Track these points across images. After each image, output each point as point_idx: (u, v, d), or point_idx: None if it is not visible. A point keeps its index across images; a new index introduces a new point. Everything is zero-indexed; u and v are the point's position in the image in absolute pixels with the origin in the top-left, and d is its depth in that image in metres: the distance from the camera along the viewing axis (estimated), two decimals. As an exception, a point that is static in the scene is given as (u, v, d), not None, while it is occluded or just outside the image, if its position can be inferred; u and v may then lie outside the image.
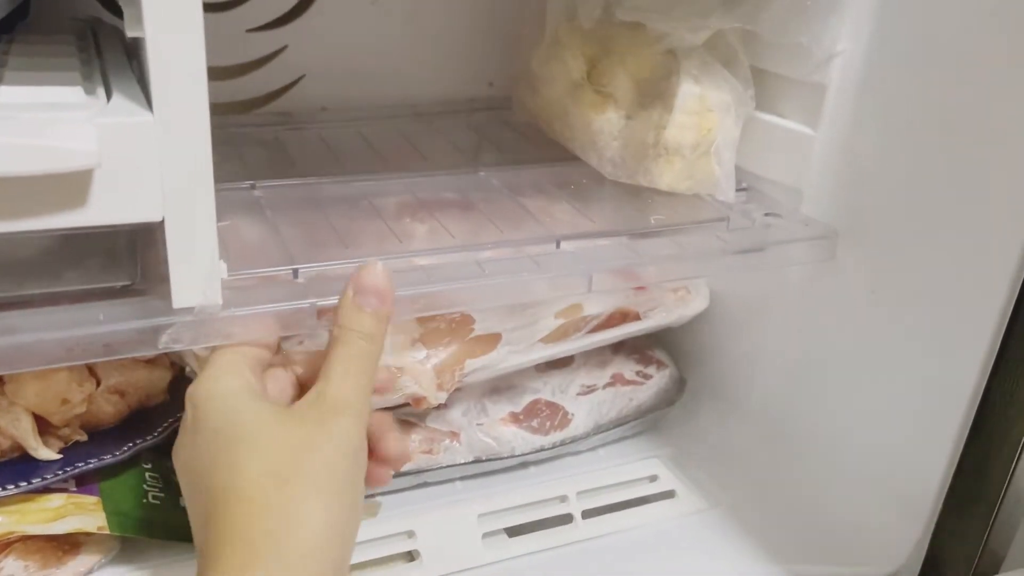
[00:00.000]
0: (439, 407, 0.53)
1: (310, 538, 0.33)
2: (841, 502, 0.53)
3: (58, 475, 0.44)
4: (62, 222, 0.33)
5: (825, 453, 0.54)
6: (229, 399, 0.37)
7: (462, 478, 0.55)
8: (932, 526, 0.49)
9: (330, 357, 0.38)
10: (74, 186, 0.32)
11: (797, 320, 0.55)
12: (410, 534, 0.49)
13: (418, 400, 0.48)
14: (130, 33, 0.33)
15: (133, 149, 0.33)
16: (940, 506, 0.48)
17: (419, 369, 0.48)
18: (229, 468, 0.34)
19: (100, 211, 0.33)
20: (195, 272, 0.36)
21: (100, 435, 0.47)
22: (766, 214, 0.52)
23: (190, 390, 0.38)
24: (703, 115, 0.50)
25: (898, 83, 0.47)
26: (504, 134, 0.66)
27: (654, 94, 0.52)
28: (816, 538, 0.52)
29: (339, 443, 0.36)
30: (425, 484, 0.54)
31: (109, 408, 0.47)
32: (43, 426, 0.45)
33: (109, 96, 0.35)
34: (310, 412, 0.36)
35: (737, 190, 0.53)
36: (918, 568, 0.51)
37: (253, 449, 0.35)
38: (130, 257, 0.40)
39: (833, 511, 0.53)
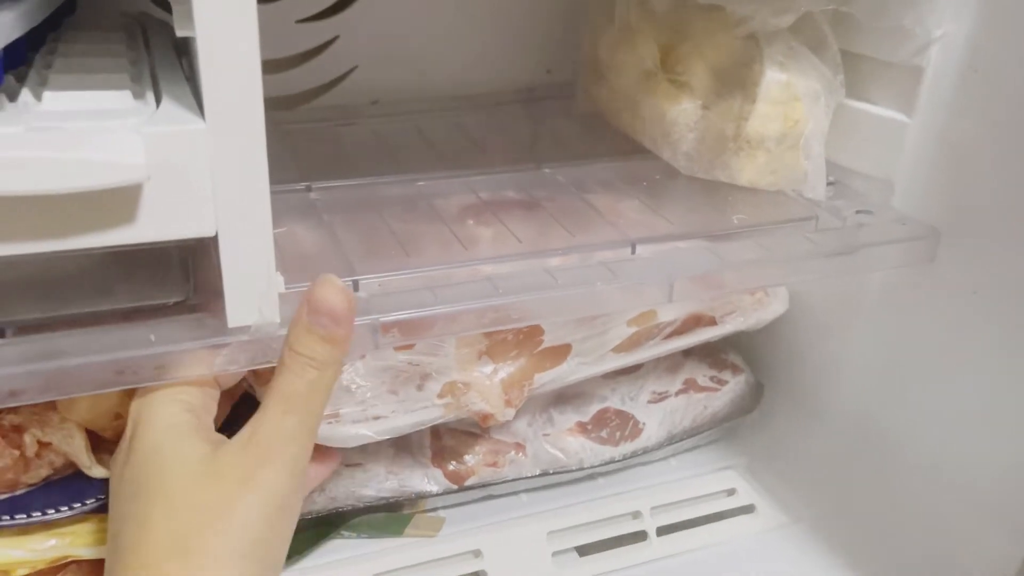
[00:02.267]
0: (503, 417, 0.50)
1: None
2: (935, 516, 0.49)
3: (112, 495, 0.42)
4: (108, 240, 0.30)
5: (917, 464, 0.50)
6: (164, 434, 0.34)
7: (528, 491, 0.52)
8: (1037, 547, 0.45)
9: (272, 386, 0.34)
10: (121, 201, 0.30)
11: (887, 322, 0.51)
12: (476, 553, 0.47)
13: (485, 417, 0.45)
14: (180, 32, 0.31)
15: (183, 159, 0.30)
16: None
17: (486, 384, 0.45)
18: (139, 524, 0.32)
19: (149, 227, 0.31)
20: (251, 288, 0.34)
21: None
22: (858, 212, 0.48)
23: (134, 405, 0.36)
24: (789, 104, 0.46)
25: (1004, 66, 0.42)
26: (566, 126, 0.62)
27: (734, 83, 0.48)
28: (908, 555, 0.49)
29: (261, 502, 0.33)
30: (490, 497, 0.51)
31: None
32: (96, 442, 0.43)
33: (158, 99, 0.33)
34: (235, 462, 0.33)
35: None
36: (1021, 591, 0.47)
37: (166, 508, 0.32)
38: (183, 271, 0.37)
39: (926, 526, 0.49)
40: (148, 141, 0.29)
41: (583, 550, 0.49)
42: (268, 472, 0.33)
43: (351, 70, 0.64)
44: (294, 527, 0.35)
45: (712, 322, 0.53)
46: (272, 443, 0.34)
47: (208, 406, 0.37)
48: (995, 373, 0.45)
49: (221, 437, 0.36)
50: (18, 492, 0.41)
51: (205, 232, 0.32)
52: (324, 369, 0.34)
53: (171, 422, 0.35)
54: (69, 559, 0.41)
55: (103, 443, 0.44)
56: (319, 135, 0.59)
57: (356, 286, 0.39)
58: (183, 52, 0.42)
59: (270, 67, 0.66)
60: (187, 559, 0.31)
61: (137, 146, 0.29)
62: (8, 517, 0.40)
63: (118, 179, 0.28)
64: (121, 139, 0.29)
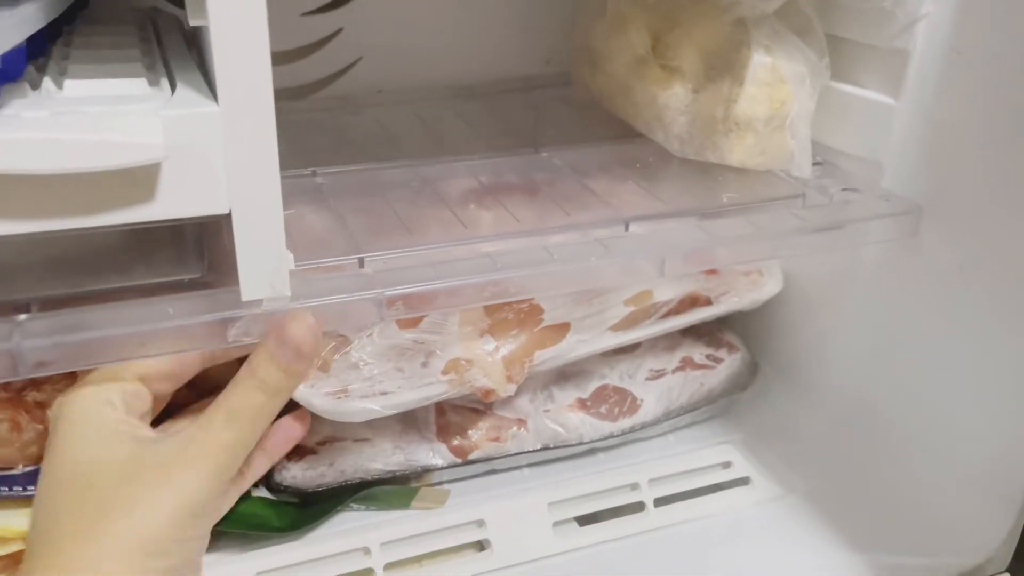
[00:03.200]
0: (505, 394, 0.52)
1: None
2: (925, 489, 0.51)
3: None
4: (129, 217, 0.32)
5: (908, 438, 0.52)
6: (84, 429, 0.35)
7: (530, 465, 0.54)
8: (1025, 514, 0.47)
9: (221, 397, 0.36)
10: (140, 180, 0.32)
11: (877, 300, 0.53)
12: (480, 523, 0.48)
13: (487, 392, 0.47)
14: (193, 22, 0.33)
15: (199, 141, 0.32)
16: (1034, 493, 0.46)
17: (488, 361, 0.47)
18: (52, 511, 0.33)
19: (167, 205, 0.32)
20: (263, 264, 0.36)
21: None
22: (844, 189, 0.49)
23: (55, 403, 0.36)
24: (776, 86, 0.48)
25: (990, 48, 0.44)
26: (564, 112, 0.64)
27: (723, 67, 0.50)
28: (899, 526, 0.50)
29: (174, 504, 0.34)
30: (493, 471, 0.53)
31: (181, 398, 0.47)
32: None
33: (173, 87, 0.35)
34: (159, 460, 0.34)
35: (812, 165, 0.51)
36: (1008, 559, 0.48)
37: (79, 498, 0.33)
38: (197, 250, 0.39)
39: (916, 498, 0.51)
40: (165, 123, 0.31)
41: (583, 520, 0.50)
42: (190, 476, 0.34)
43: (356, 61, 0.66)
44: (208, 533, 0.36)
45: (707, 302, 0.55)
46: (205, 449, 0.35)
47: (133, 403, 0.37)
48: (982, 348, 0.47)
49: (150, 434, 0.37)
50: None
51: (219, 210, 0.34)
52: (274, 396, 0.36)
53: (92, 419, 0.35)
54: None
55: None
56: (325, 124, 0.61)
57: (361, 263, 0.41)
58: (193, 44, 0.44)
59: (277, 59, 0.67)
60: (89, 545, 0.32)
61: (156, 127, 0.31)
62: (33, 488, 0.41)
63: (138, 158, 0.30)
64: (140, 121, 0.31)
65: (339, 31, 0.64)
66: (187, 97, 0.33)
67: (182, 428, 0.36)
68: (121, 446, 0.35)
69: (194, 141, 0.32)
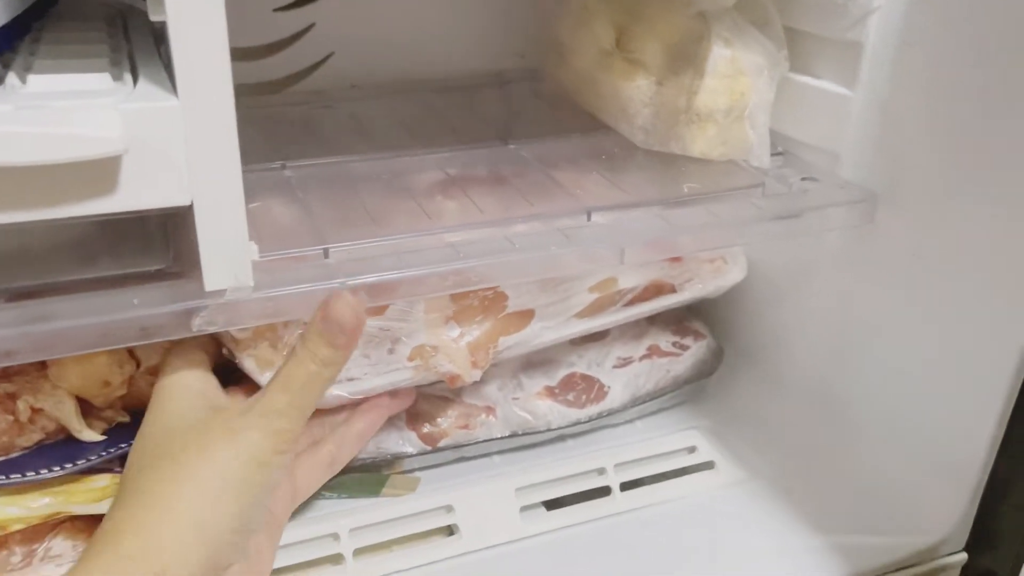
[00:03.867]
0: (474, 383, 0.53)
1: (173, 532, 0.35)
2: (885, 470, 0.52)
3: (102, 456, 0.45)
4: (91, 209, 0.33)
5: (868, 421, 0.53)
6: (182, 401, 0.41)
7: (500, 452, 0.55)
8: (980, 494, 0.48)
9: (279, 370, 0.39)
10: (102, 173, 0.32)
11: (837, 287, 0.54)
12: (448, 509, 0.49)
13: (453, 378, 0.48)
14: (153, 17, 0.33)
15: (159, 134, 0.33)
16: (988, 473, 0.47)
17: (453, 347, 0.48)
18: (136, 463, 0.39)
19: (128, 197, 0.33)
20: (225, 254, 0.36)
21: (143, 416, 0.48)
22: (803, 179, 0.51)
23: (158, 383, 0.42)
24: (735, 78, 0.49)
25: (939, 40, 0.45)
26: (535, 106, 0.65)
27: (685, 59, 0.51)
28: (859, 507, 0.51)
29: (239, 453, 0.37)
30: (463, 459, 0.54)
31: (150, 389, 0.48)
32: (86, 408, 0.46)
33: (136, 81, 0.36)
34: (225, 423, 0.38)
35: (772, 155, 0.52)
36: (965, 537, 0.50)
37: (163, 448, 0.38)
38: (163, 241, 0.40)
39: (876, 480, 0.52)
40: (125, 117, 0.32)
41: (550, 505, 0.51)
42: (252, 433, 0.38)
43: (328, 56, 0.67)
44: (271, 491, 0.39)
45: (672, 289, 0.56)
46: (263, 413, 0.38)
47: (208, 381, 0.43)
48: (937, 332, 0.48)
49: (224, 402, 0.43)
50: (13, 455, 0.44)
51: (180, 202, 0.34)
52: (324, 367, 0.38)
53: (179, 391, 0.41)
54: (62, 515, 0.43)
55: (93, 409, 0.47)
56: (296, 118, 0.61)
57: (326, 254, 0.41)
58: (160, 41, 0.44)
59: (249, 54, 0.68)
60: (168, 484, 0.36)
61: (115, 121, 0.31)
62: (4, 477, 0.42)
63: (97, 152, 0.31)
64: (100, 115, 0.31)
65: (311, 26, 0.65)
66: (148, 91, 0.34)
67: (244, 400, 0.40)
68: (199, 412, 0.40)
69: (154, 134, 0.33)
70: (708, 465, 0.55)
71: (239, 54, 0.68)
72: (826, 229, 0.50)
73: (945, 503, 0.49)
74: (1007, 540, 0.49)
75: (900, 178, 0.49)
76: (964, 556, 0.50)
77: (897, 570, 0.49)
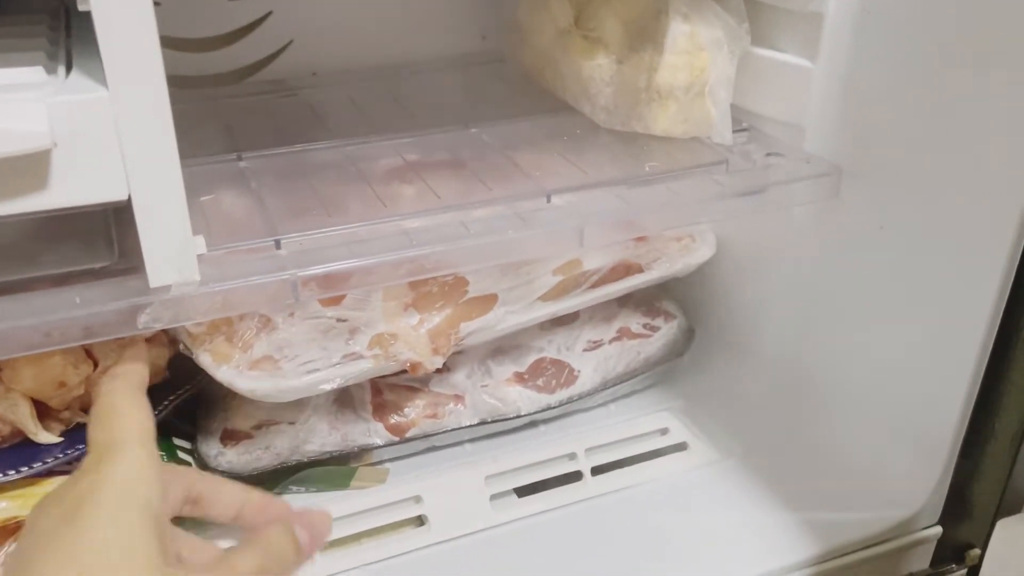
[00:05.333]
0: (442, 371, 0.52)
1: None
2: (857, 446, 0.52)
3: (59, 458, 0.44)
4: (24, 207, 0.32)
5: (839, 398, 0.53)
6: (127, 516, 0.29)
7: (471, 440, 0.54)
8: (952, 466, 0.48)
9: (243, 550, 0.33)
10: (32, 168, 0.31)
11: (805, 263, 0.53)
12: (417, 499, 0.49)
13: (414, 366, 0.47)
14: (81, 7, 0.32)
15: (89, 126, 0.32)
16: (959, 446, 0.47)
17: (412, 335, 0.47)
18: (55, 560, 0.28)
19: (62, 193, 0.32)
20: (168, 249, 0.35)
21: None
22: (767, 154, 0.50)
23: (100, 434, 0.32)
24: (695, 54, 0.48)
25: (897, 9, 0.44)
26: (497, 88, 0.64)
27: (644, 36, 0.50)
28: (833, 484, 0.51)
29: None
30: (432, 448, 0.53)
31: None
32: (43, 410, 0.45)
33: (68, 75, 0.34)
34: None
35: (737, 131, 0.51)
36: (939, 509, 0.49)
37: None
38: (106, 238, 0.39)
39: (849, 456, 0.52)
40: (52, 110, 0.31)
41: (521, 492, 0.51)
42: None
43: (287, 44, 0.65)
44: None
45: (639, 269, 0.55)
46: None
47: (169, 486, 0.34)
48: (903, 305, 0.48)
49: (174, 549, 0.33)
50: (-32, 459, 0.43)
51: (117, 196, 0.33)
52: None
53: (131, 503, 0.30)
54: (19, 520, 0.43)
55: (50, 411, 0.46)
56: (254, 108, 0.60)
57: (278, 245, 0.41)
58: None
59: (206, 45, 0.67)
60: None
61: (41, 114, 0.30)
62: (-29, 477, 0.41)
63: (23, 146, 0.30)
64: (25, 108, 0.30)
65: (268, 15, 0.64)
66: (78, 83, 0.33)
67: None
68: (141, 558, 0.29)
69: (84, 127, 0.31)
70: (681, 447, 0.54)
71: (196, 45, 0.67)
72: (791, 204, 0.49)
73: (918, 477, 0.49)
74: (981, 511, 0.49)
75: (865, 151, 0.48)
76: (939, 529, 0.50)
77: (873, 545, 0.49)
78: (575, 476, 0.52)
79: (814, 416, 0.54)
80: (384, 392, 0.52)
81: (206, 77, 0.65)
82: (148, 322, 0.36)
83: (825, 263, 0.52)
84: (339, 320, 0.46)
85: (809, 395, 0.54)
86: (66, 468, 0.45)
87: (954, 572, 0.51)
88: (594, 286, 0.53)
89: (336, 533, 0.47)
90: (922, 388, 0.48)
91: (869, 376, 0.51)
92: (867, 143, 0.48)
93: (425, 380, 0.53)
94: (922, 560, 0.51)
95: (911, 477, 0.49)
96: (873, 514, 0.49)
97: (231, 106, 0.61)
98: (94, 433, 0.32)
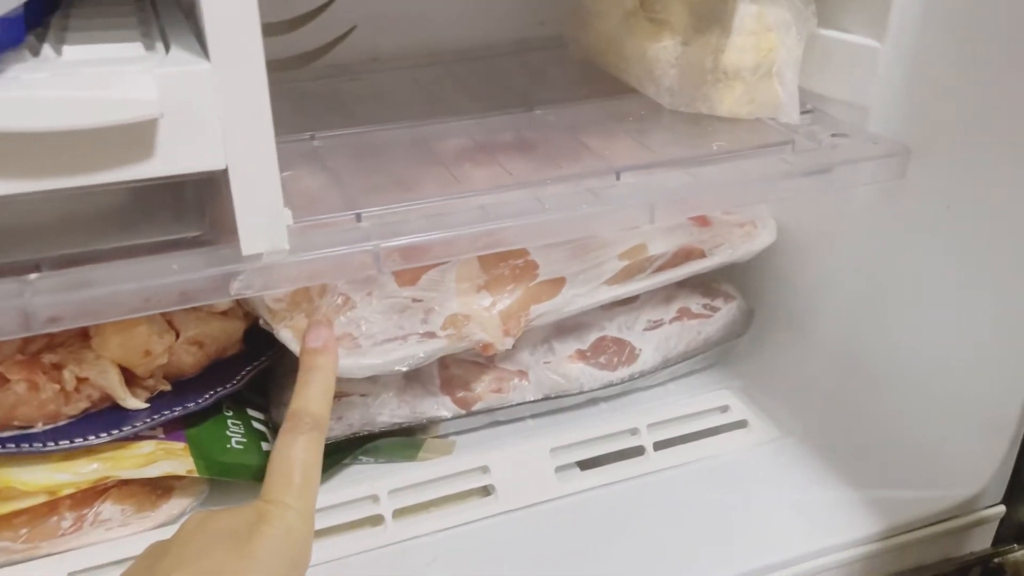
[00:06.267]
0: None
1: None
2: (919, 426, 0.52)
3: (146, 423, 0.46)
4: (130, 174, 0.33)
5: (900, 378, 0.53)
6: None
7: (533, 416, 0.56)
8: (1017, 446, 0.48)
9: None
10: (139, 138, 0.33)
11: (868, 244, 0.54)
12: (484, 469, 0.50)
13: (486, 347, 0.48)
14: (184, -16, 0.34)
15: (193, 98, 0.33)
16: (1024, 425, 0.47)
17: (485, 316, 0.48)
18: None
19: (165, 161, 0.34)
20: (261, 219, 0.37)
21: (183, 385, 0.49)
22: (833, 135, 0.50)
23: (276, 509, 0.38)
24: (762, 35, 0.49)
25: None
26: (558, 72, 0.65)
27: (710, 17, 0.50)
28: (894, 463, 0.52)
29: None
30: (496, 423, 0.55)
31: (189, 359, 0.49)
32: (129, 378, 0.47)
33: (167, 49, 0.36)
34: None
35: (802, 112, 0.51)
36: (1003, 490, 0.50)
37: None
38: (197, 209, 0.41)
39: (910, 435, 0.52)
40: (159, 81, 0.32)
41: (584, 465, 0.52)
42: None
43: (350, 30, 0.67)
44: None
45: (701, 255, 0.56)
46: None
47: None
48: (969, 283, 0.48)
49: None
50: (60, 423, 0.45)
51: (216, 165, 0.35)
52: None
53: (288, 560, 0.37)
54: (110, 480, 0.44)
55: (135, 378, 0.47)
56: (322, 91, 0.62)
57: (358, 218, 0.42)
58: (189, 15, 0.45)
59: (271, 29, 0.68)
60: None
61: (150, 85, 0.32)
62: (53, 443, 0.43)
63: (134, 114, 0.32)
64: (135, 80, 0.32)
65: (332, 0, 0.65)
66: (180, 57, 0.34)
67: None
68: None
69: (188, 98, 0.33)
70: (741, 424, 0.55)
71: (263, 29, 0.69)
72: (858, 184, 0.50)
73: (981, 456, 0.49)
74: (1046, 492, 0.49)
75: (932, 131, 0.48)
76: (1002, 508, 0.50)
77: (934, 523, 0.49)
78: (637, 451, 0.53)
79: (875, 396, 0.54)
80: (451, 367, 0.53)
81: (271, 62, 0.66)
82: (240, 288, 0.38)
83: (888, 245, 0.52)
84: (414, 300, 0.47)
85: (870, 375, 0.55)
86: (151, 433, 0.47)
87: (1015, 552, 0.51)
88: (658, 270, 0.54)
89: (406, 501, 0.49)
90: (987, 368, 0.48)
91: (931, 356, 0.51)
92: (935, 123, 0.48)
93: (490, 356, 0.54)
94: (984, 540, 0.51)
95: (974, 456, 0.49)
96: (934, 493, 0.49)
97: (297, 89, 0.62)
98: (270, 481, 0.39)
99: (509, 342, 0.50)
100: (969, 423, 0.49)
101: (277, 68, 0.65)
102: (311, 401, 0.42)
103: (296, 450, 0.40)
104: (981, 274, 0.47)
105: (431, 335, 0.48)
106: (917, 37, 0.47)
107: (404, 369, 0.48)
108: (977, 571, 0.51)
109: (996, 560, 0.51)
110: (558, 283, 0.51)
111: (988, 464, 0.49)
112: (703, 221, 0.55)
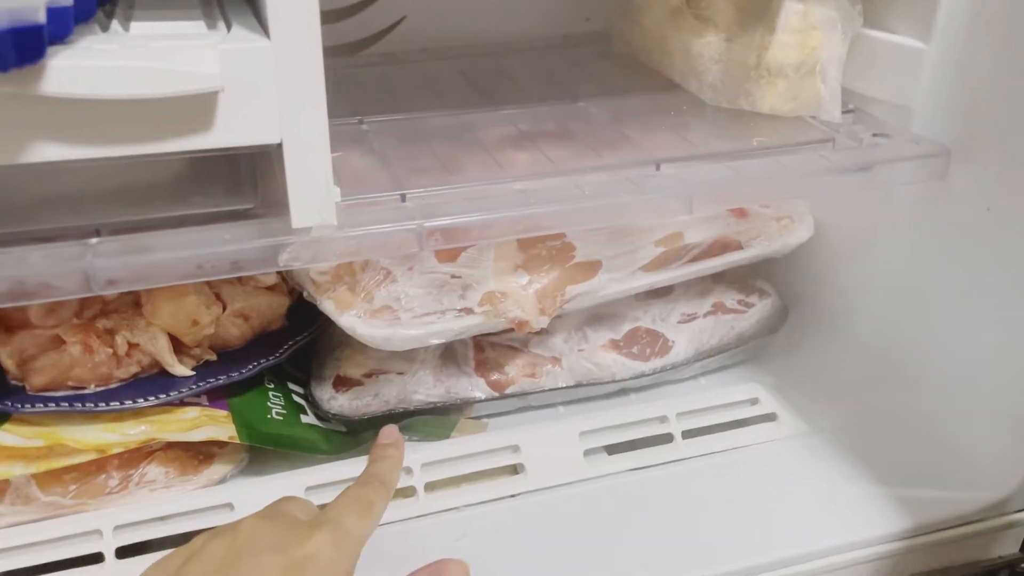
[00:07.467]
0: (541, 333, 0.54)
1: None
2: (951, 427, 0.52)
3: (192, 389, 0.47)
4: (190, 144, 0.35)
5: (934, 378, 0.53)
6: None
7: (564, 403, 0.56)
8: (1048, 451, 0.48)
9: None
10: (200, 109, 0.34)
11: (906, 245, 0.54)
12: (515, 448, 0.51)
13: (521, 324, 0.49)
14: (247, -35, 0.35)
15: (252, 73, 0.35)
16: (1057, 429, 0.47)
17: (521, 294, 0.49)
18: None
19: (224, 133, 0.35)
20: (312, 193, 0.38)
21: (228, 355, 0.51)
22: (874, 134, 0.50)
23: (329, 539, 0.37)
24: (807, 33, 0.49)
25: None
26: (602, 66, 0.66)
27: (755, 14, 0.51)
28: (924, 463, 0.52)
29: None
30: (528, 407, 0.56)
31: (235, 331, 0.51)
32: (178, 346, 0.49)
33: (229, 28, 0.38)
34: None
35: (843, 112, 0.52)
36: (1033, 494, 0.50)
37: None
38: (250, 183, 0.42)
39: (941, 436, 0.52)
40: (222, 56, 0.34)
41: (612, 449, 0.53)
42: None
43: (400, 20, 0.68)
44: None
45: (738, 246, 0.56)
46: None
47: None
48: (1008, 286, 0.48)
49: None
50: (111, 385, 0.47)
51: (271, 139, 0.36)
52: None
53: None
54: (156, 442, 0.46)
55: (183, 347, 0.49)
56: (371, 78, 0.63)
57: (403, 198, 0.43)
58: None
59: (324, 18, 0.70)
60: None
61: (213, 59, 0.34)
62: (104, 404, 0.45)
63: (197, 86, 0.33)
64: (199, 53, 0.34)
65: (384, -11, 0.67)
66: (241, 35, 0.36)
67: None
68: None
69: (248, 73, 0.35)
70: (770, 417, 0.55)
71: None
72: (898, 183, 0.50)
73: (1012, 459, 0.49)
74: (1077, 498, 0.49)
75: (974, 133, 0.48)
76: (1032, 513, 0.50)
77: (963, 524, 0.49)
78: (666, 438, 0.53)
79: (907, 396, 0.54)
80: (486, 350, 0.54)
81: (325, 48, 0.68)
82: (288, 260, 0.39)
83: (925, 246, 0.53)
84: (453, 276, 0.48)
85: (903, 375, 0.55)
86: (196, 400, 0.48)
87: (1044, 558, 0.51)
88: (693, 260, 0.54)
89: (436, 476, 0.50)
90: (1019, 369, 0.48)
91: (966, 359, 0.51)
92: (977, 125, 0.48)
93: (525, 341, 0.55)
94: (1012, 544, 0.51)
95: (1005, 459, 0.49)
96: (963, 494, 0.49)
97: (348, 75, 0.64)
98: (337, 502, 0.39)
99: (544, 321, 0.51)
100: (1001, 426, 0.49)
101: (330, 54, 0.68)
102: (382, 473, 0.43)
103: (368, 491, 0.40)
104: (1020, 277, 0.47)
105: (468, 311, 0.50)
106: (963, 39, 0.48)
107: (441, 342, 0.49)
108: (1004, 575, 0.51)
109: (1024, 565, 0.51)
110: (594, 266, 0.52)
111: (1019, 468, 0.49)
112: (740, 213, 0.56)
